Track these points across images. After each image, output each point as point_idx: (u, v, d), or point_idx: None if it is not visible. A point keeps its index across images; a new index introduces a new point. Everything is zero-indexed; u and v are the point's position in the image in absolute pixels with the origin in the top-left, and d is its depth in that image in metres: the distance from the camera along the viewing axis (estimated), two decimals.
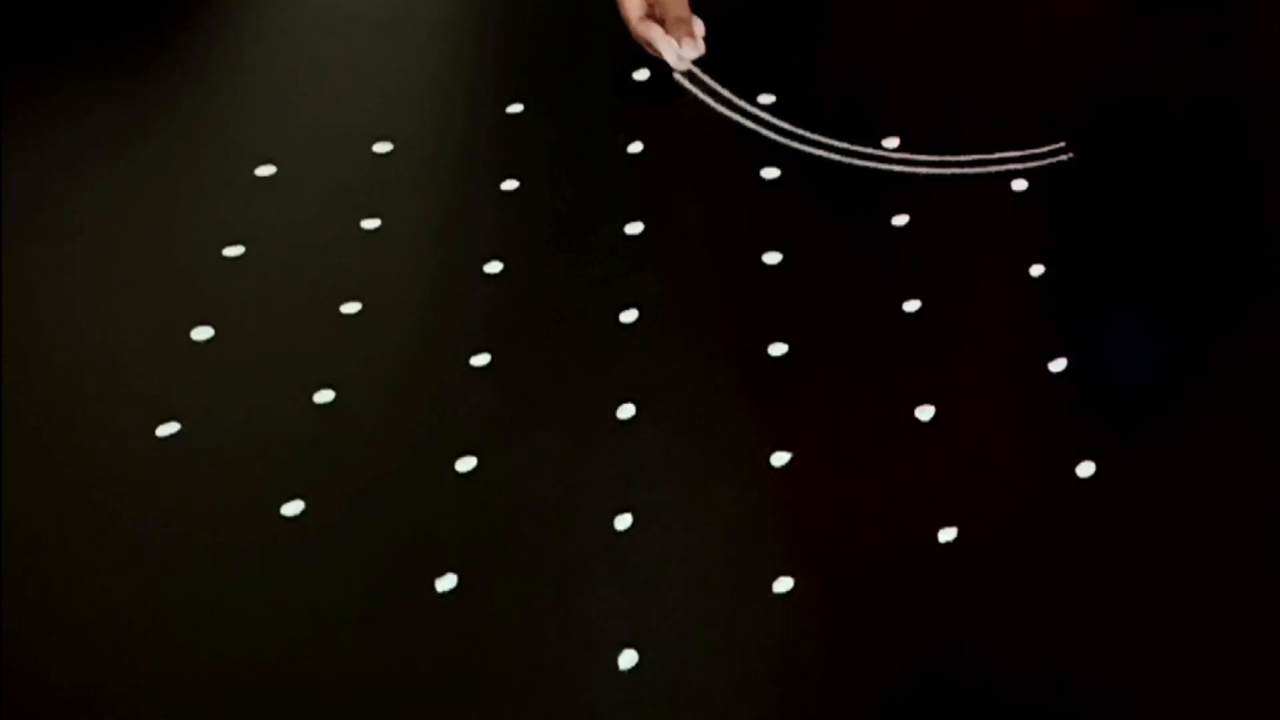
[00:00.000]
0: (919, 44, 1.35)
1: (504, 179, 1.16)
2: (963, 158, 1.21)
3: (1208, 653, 0.92)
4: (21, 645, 0.88)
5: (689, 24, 1.23)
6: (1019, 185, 1.20)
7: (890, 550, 0.96)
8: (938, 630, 0.92)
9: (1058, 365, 1.07)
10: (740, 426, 1.02)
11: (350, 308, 1.07)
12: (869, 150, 1.21)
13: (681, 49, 1.23)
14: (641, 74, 1.26)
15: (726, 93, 1.24)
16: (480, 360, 1.04)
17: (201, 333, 1.05)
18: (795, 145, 1.21)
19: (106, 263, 1.09)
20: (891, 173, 1.20)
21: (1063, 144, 1.23)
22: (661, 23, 1.23)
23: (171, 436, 0.99)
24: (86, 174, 1.15)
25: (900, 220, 1.16)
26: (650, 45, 1.23)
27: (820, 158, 1.20)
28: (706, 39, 1.24)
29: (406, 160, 1.17)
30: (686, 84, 1.22)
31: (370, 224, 1.12)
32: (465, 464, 0.98)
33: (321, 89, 1.26)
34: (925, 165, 1.20)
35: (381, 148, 1.18)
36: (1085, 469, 1.00)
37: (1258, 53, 1.32)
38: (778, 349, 1.07)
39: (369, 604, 0.92)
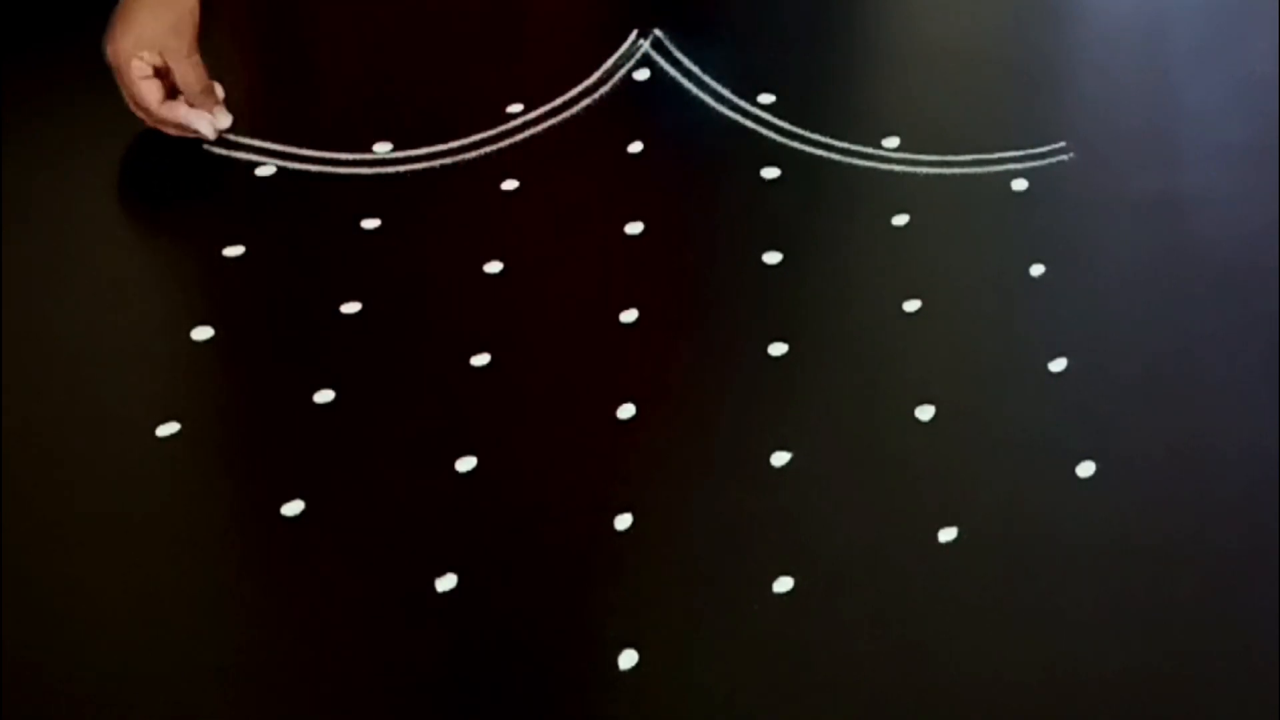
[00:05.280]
0: (917, 44, 1.35)
1: (504, 179, 1.16)
2: (963, 157, 1.21)
3: (1205, 651, 0.92)
4: (22, 644, 0.88)
5: (213, 92, 1.16)
6: (1019, 185, 1.20)
7: (890, 550, 0.96)
8: (937, 630, 0.92)
9: (1058, 365, 1.07)
10: (740, 426, 1.02)
11: (350, 307, 1.07)
12: (869, 150, 1.21)
13: (216, 119, 1.16)
14: (642, 74, 1.26)
15: (727, 92, 1.24)
16: (480, 360, 1.04)
17: (201, 333, 1.05)
18: (795, 145, 1.21)
19: (106, 263, 1.09)
20: (891, 173, 1.20)
21: (1063, 144, 1.23)
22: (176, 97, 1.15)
23: (171, 436, 0.99)
24: (87, 174, 1.15)
25: (900, 220, 1.16)
26: (179, 126, 1.15)
27: (820, 158, 1.20)
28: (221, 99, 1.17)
29: (407, 160, 1.17)
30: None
31: (370, 224, 1.12)
32: (465, 464, 0.98)
33: (321, 89, 1.26)
34: (925, 165, 1.20)
35: (382, 147, 1.18)
36: (1085, 469, 1.00)
37: None
38: (778, 349, 1.07)
39: (369, 604, 0.92)
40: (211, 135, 1.16)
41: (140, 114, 1.14)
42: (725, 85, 1.25)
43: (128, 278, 1.09)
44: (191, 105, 1.15)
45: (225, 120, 1.17)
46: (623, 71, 1.26)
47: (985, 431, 1.03)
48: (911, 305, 1.10)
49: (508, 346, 1.05)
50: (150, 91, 1.13)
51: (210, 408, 1.02)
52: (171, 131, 1.16)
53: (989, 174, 1.20)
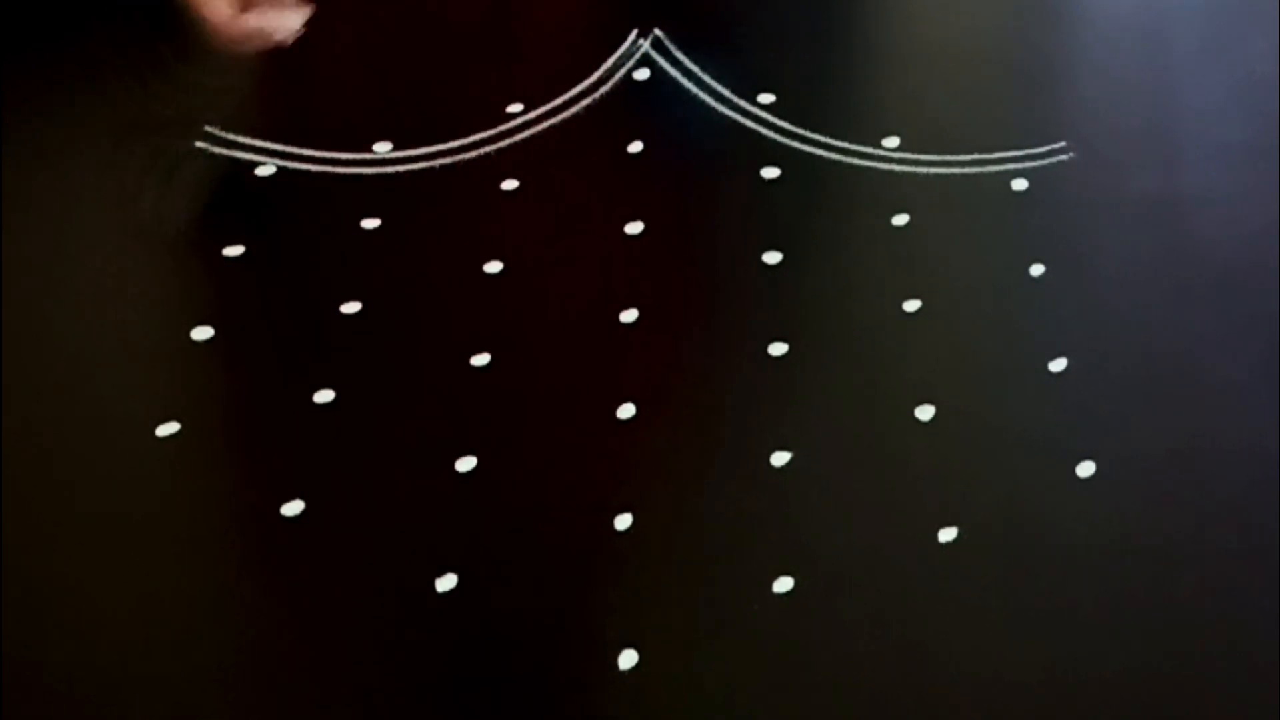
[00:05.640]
0: (917, 44, 1.35)
1: (504, 179, 1.16)
2: (963, 157, 1.21)
3: (1205, 651, 0.92)
4: (22, 644, 0.88)
5: None
6: (1019, 185, 1.20)
7: (890, 550, 0.96)
8: (937, 630, 0.92)
9: (1058, 365, 1.07)
10: (740, 426, 1.02)
11: (350, 307, 1.07)
12: (869, 150, 1.21)
13: (287, 19, 1.14)
14: (642, 74, 1.26)
15: (727, 92, 1.24)
16: (480, 360, 1.04)
17: (201, 333, 1.05)
18: (795, 145, 1.21)
19: (107, 262, 1.09)
20: (891, 173, 1.20)
21: (1063, 144, 1.23)
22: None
23: (171, 436, 0.99)
24: (87, 174, 1.15)
25: (900, 220, 1.16)
26: (251, 37, 1.14)
27: (820, 158, 1.20)
28: None
29: (406, 159, 1.17)
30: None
31: (370, 224, 1.12)
32: (465, 464, 0.98)
33: (321, 89, 1.26)
34: (925, 165, 1.20)
35: (382, 147, 1.18)
36: (1085, 469, 1.00)
37: None
38: (778, 349, 1.07)
39: (369, 604, 0.92)
40: (286, 37, 1.15)
41: (214, 36, 1.13)
42: (725, 85, 1.25)
43: (128, 278, 1.09)
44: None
45: (297, 19, 1.16)
46: (623, 71, 1.26)
47: (985, 431, 1.03)
48: (911, 305, 1.10)
49: (508, 346, 1.05)
50: (219, 7, 1.12)
51: (210, 408, 1.02)
52: (245, 49, 1.14)
53: (989, 174, 1.20)
